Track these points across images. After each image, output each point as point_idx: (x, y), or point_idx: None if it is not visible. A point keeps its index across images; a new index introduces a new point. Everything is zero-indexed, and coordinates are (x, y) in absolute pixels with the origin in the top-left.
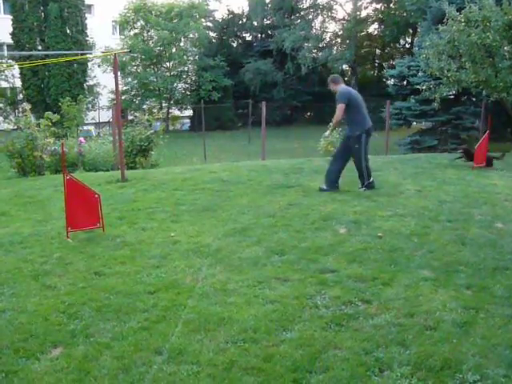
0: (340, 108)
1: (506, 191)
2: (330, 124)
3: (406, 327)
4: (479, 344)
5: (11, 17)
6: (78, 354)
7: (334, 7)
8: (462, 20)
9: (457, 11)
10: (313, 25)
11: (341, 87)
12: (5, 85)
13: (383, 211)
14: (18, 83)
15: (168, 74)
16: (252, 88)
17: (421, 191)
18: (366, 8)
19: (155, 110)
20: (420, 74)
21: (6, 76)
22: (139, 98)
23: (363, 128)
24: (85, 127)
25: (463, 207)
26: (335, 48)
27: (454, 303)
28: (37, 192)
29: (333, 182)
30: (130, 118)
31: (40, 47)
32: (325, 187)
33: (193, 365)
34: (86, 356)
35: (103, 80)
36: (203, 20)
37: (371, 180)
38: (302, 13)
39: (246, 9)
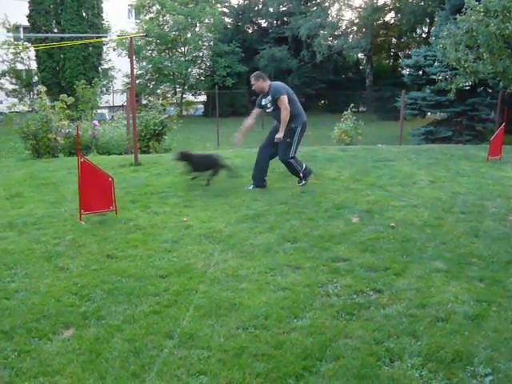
0: (285, 100)
1: None
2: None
3: (417, 318)
4: (491, 337)
5: None
6: (89, 336)
7: None
8: (481, 10)
9: (476, 1)
10: (329, 12)
11: (272, 83)
12: (20, 67)
13: (396, 201)
14: (34, 65)
15: (183, 58)
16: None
17: (434, 182)
18: None
19: (169, 95)
20: (436, 64)
21: (21, 58)
22: (153, 83)
23: (300, 121)
24: (99, 110)
25: (477, 199)
26: (351, 36)
27: (466, 295)
28: (50, 174)
29: (261, 180)
30: (144, 102)
31: (56, 30)
32: (251, 187)
33: (203, 350)
34: (98, 338)
35: (118, 64)
36: (219, 5)
37: (305, 167)
38: (318, 0)
39: None
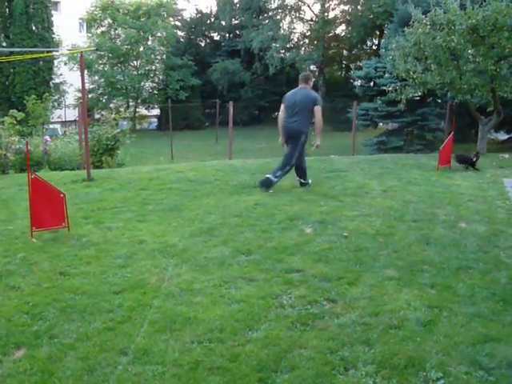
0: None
1: (469, 191)
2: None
3: (370, 326)
4: (442, 342)
5: None
6: (41, 356)
7: (302, 8)
8: (428, 23)
9: (422, 14)
10: (281, 25)
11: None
12: None
13: (349, 211)
14: None
15: (135, 72)
16: (220, 88)
17: (386, 191)
18: (333, 9)
19: (122, 109)
20: (386, 75)
21: None
22: (106, 97)
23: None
24: (51, 126)
25: (428, 207)
26: (303, 49)
27: (418, 302)
28: (0, 191)
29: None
30: (97, 116)
31: (4, 44)
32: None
33: (158, 365)
34: (50, 357)
35: (69, 78)
36: (171, 19)
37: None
38: (270, 13)
39: (215, 8)
